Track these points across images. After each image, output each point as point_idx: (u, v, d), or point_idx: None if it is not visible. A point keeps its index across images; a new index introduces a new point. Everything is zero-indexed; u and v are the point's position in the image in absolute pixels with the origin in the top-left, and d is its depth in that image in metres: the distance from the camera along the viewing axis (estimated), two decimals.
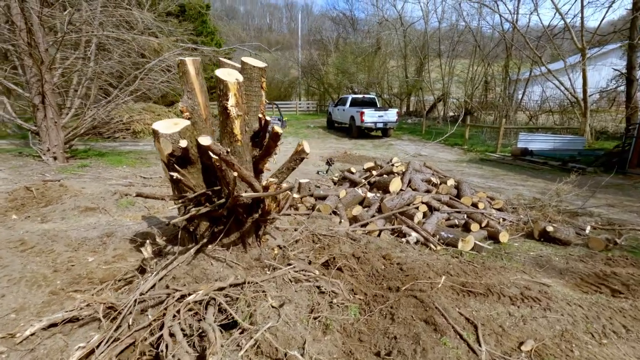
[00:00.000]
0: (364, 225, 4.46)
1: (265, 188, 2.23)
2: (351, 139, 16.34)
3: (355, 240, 3.91)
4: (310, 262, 3.31)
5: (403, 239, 4.25)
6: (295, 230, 3.85)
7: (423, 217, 4.69)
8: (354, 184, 5.74)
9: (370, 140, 15.98)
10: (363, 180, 5.61)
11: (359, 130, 16.22)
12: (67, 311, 2.48)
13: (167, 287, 2.35)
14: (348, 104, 17.56)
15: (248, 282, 2.53)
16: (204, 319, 2.07)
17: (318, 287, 2.91)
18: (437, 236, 4.30)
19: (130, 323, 2.25)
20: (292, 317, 2.39)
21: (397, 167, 5.68)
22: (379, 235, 4.35)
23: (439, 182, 5.54)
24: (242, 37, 43.30)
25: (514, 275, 3.53)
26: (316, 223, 4.23)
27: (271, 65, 29.07)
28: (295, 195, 2.70)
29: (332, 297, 2.85)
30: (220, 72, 2.23)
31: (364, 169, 6.25)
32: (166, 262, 2.65)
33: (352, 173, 6.13)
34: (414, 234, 4.28)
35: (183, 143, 1.94)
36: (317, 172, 8.45)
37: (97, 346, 2.06)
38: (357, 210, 4.70)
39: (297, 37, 38.62)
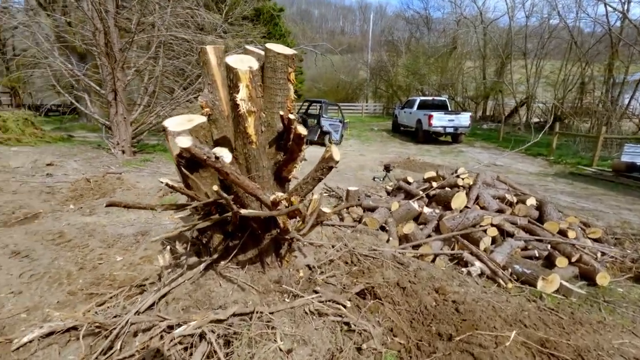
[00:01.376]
0: (416, 247, 3.79)
1: (275, 204, 1.77)
2: (417, 143, 15.27)
3: (402, 265, 3.28)
4: (343, 290, 2.78)
5: (463, 269, 3.49)
6: (333, 247, 3.34)
7: (492, 244, 3.85)
8: (409, 195, 5.04)
9: (437, 146, 14.75)
10: (420, 192, 4.88)
11: (425, 135, 15.09)
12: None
13: (159, 311, 2.02)
14: (415, 106, 16.49)
15: (257, 312, 2.10)
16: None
17: (347, 323, 2.37)
18: (509, 270, 3.45)
19: (119, 347, 1.96)
20: None
21: (463, 179, 4.84)
22: (433, 260, 3.65)
23: (515, 201, 4.58)
24: (314, 39, 44.07)
25: (618, 336, 2.60)
26: (359, 239, 3.68)
27: (338, 67, 28.87)
28: (326, 210, 2.20)
29: (364, 339, 2.30)
30: (231, 59, 1.83)
31: (423, 179, 5.49)
32: (173, 277, 2.35)
33: (409, 183, 5.41)
34: (477, 263, 3.49)
35: (183, 143, 1.56)
36: (373, 179, 7.81)
37: None
38: (409, 227, 4.03)
39: (368, 39, 37.91)
